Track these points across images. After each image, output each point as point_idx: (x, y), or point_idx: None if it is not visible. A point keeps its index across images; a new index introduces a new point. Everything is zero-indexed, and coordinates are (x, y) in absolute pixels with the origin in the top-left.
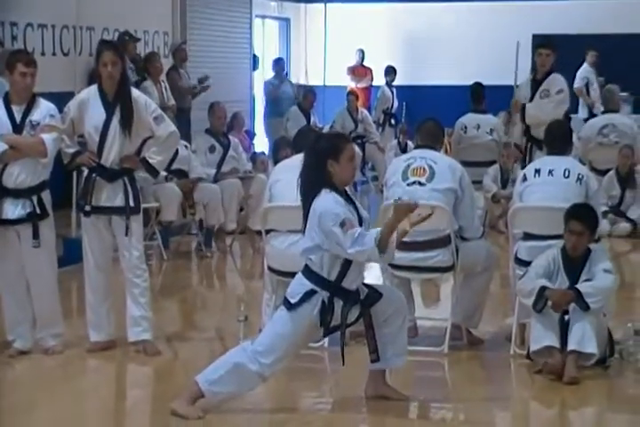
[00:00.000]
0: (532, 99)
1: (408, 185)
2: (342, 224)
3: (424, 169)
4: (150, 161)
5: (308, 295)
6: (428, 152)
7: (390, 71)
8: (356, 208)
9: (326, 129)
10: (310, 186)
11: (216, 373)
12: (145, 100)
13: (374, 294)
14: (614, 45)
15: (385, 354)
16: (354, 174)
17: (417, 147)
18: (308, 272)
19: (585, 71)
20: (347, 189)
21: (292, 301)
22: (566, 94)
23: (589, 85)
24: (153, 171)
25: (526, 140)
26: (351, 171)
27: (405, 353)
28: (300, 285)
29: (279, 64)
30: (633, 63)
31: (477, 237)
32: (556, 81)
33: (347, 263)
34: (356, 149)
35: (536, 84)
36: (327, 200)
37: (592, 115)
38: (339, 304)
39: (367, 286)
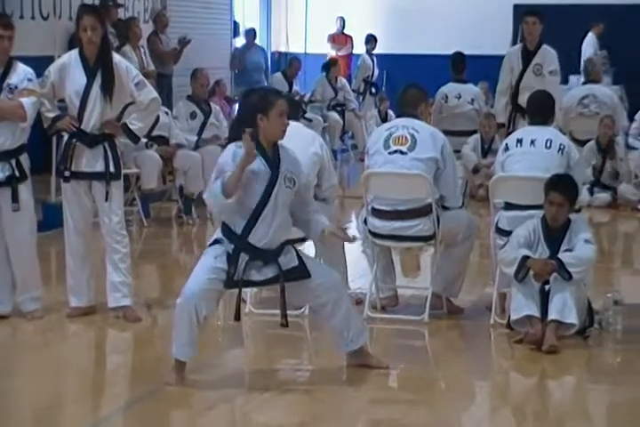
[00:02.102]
0: (523, 71)
1: (390, 154)
2: (219, 174)
3: (406, 138)
4: (131, 127)
5: (216, 242)
6: (411, 121)
7: (371, 39)
8: (273, 164)
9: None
10: (236, 139)
11: (174, 336)
12: (126, 65)
13: (301, 270)
14: (595, 16)
15: (346, 339)
16: (284, 130)
17: (399, 115)
18: (223, 223)
19: (593, 43)
20: (279, 143)
21: (208, 242)
22: (559, 75)
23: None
24: (134, 137)
25: (511, 109)
26: (281, 126)
27: (364, 330)
28: (217, 232)
29: (249, 34)
30: (613, 34)
31: (458, 206)
32: (549, 57)
33: (252, 219)
34: (337, 117)
35: (528, 55)
36: (226, 151)
37: None
38: (244, 258)
39: (301, 261)
